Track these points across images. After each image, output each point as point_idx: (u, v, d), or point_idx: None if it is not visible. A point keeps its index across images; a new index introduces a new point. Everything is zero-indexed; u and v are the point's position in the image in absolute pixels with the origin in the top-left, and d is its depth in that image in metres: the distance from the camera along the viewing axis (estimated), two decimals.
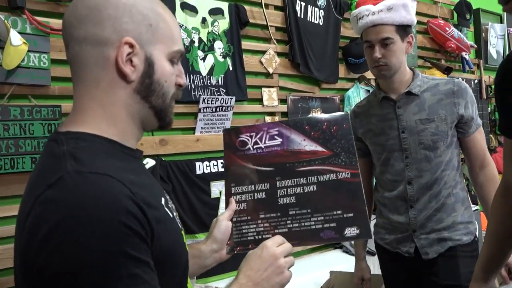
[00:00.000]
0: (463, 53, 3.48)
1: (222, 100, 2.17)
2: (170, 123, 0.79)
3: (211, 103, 2.14)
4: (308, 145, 0.97)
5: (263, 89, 2.41)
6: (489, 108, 3.95)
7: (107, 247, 0.56)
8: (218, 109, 2.18)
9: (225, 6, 2.26)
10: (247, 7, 2.34)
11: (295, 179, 0.97)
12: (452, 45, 3.37)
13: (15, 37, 1.57)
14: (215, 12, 2.22)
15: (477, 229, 1.63)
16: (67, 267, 0.56)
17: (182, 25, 2.10)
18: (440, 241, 1.54)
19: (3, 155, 1.62)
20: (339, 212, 0.93)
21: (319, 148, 0.97)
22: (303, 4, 2.58)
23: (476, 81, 3.85)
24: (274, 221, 0.95)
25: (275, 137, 1.00)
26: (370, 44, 1.52)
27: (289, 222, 0.94)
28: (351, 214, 0.93)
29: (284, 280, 0.84)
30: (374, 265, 2.08)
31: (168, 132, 2.08)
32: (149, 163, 1.98)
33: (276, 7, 2.51)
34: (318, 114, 0.96)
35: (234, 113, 2.26)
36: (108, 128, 0.70)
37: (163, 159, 2.03)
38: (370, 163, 1.71)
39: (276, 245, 0.86)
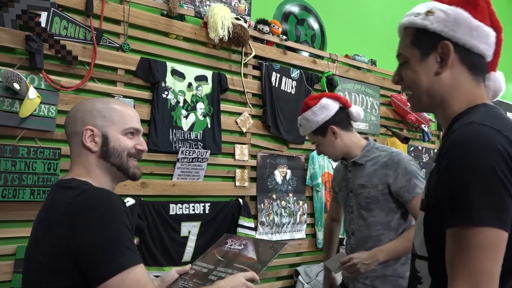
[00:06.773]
0: (422, 125, 3.91)
1: (199, 152, 2.55)
2: (135, 175, 1.22)
3: (189, 155, 2.52)
4: (251, 254, 1.44)
5: (236, 145, 2.80)
6: None
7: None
8: (194, 160, 2.55)
9: (209, 74, 2.68)
10: (228, 76, 2.77)
11: (227, 269, 1.38)
12: (412, 118, 3.81)
13: (32, 92, 1.96)
14: (200, 78, 2.65)
15: None
16: None
17: (170, 88, 2.51)
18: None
19: (8, 186, 1.97)
20: None
21: (254, 257, 1.42)
22: (278, 75, 3.02)
23: (435, 150, 4.28)
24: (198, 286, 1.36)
25: (242, 244, 1.51)
26: None
27: None
28: None
29: None
30: None
31: (149, 176, 2.44)
32: (130, 201, 2.32)
33: (254, 77, 2.94)
34: (275, 241, 1.55)
35: (209, 164, 2.63)
36: (91, 181, 1.14)
37: (142, 199, 2.38)
38: (339, 208, 2.20)
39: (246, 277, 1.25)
